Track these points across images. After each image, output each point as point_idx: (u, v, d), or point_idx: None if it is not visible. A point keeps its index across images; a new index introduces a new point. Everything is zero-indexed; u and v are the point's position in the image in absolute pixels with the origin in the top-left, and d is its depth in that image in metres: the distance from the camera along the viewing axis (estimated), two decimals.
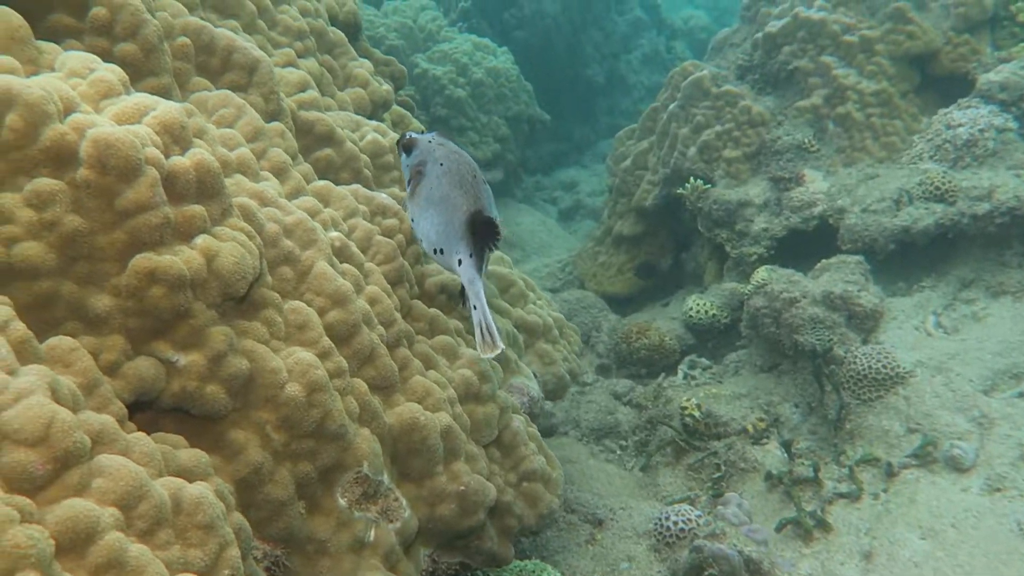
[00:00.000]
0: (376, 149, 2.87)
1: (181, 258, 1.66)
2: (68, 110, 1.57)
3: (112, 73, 1.72)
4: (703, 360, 5.01)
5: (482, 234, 1.98)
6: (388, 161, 2.91)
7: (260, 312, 1.87)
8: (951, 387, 3.32)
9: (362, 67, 3.09)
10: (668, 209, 6.01)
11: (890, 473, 3.19)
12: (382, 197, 2.51)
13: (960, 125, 4.29)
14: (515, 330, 3.30)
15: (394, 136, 2.94)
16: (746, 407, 4.16)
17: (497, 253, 3.56)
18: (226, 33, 2.21)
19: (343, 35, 3.06)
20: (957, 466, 3.05)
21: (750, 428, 3.99)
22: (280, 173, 2.17)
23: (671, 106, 5.61)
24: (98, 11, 1.88)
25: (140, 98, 1.70)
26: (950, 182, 4.15)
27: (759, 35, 5.29)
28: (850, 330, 3.90)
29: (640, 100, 12.41)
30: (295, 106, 2.63)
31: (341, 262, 2.15)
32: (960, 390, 3.28)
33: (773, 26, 5.15)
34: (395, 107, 3.66)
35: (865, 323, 3.89)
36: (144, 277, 1.60)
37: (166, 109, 1.71)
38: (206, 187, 1.74)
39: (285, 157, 2.17)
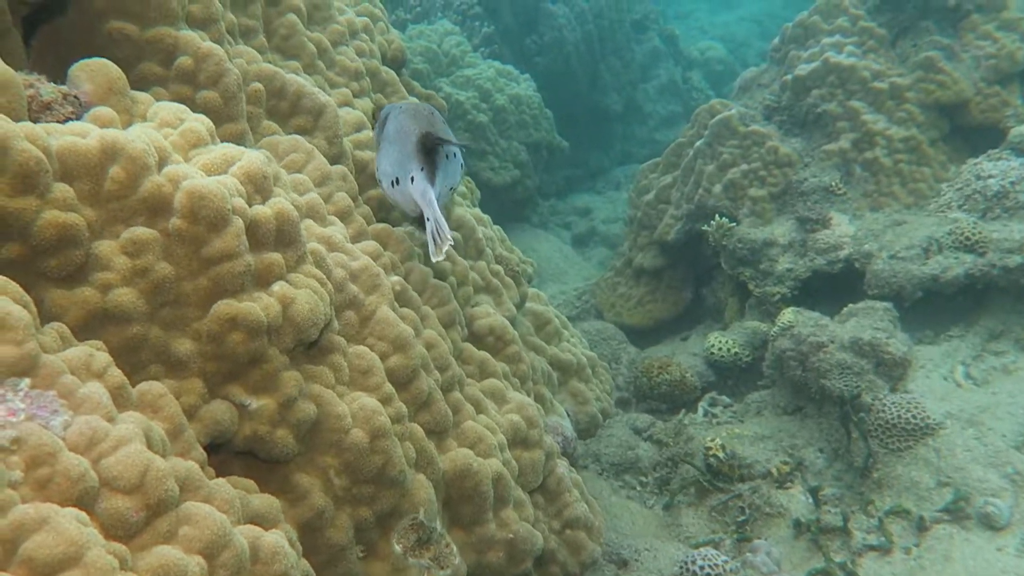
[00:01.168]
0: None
1: (260, 305, 1.69)
2: (162, 160, 1.62)
3: (200, 123, 1.77)
4: (724, 398, 5.03)
5: (433, 148, 2.07)
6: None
7: (327, 357, 1.91)
8: (983, 441, 3.34)
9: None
10: (690, 244, 6.06)
11: (921, 527, 3.20)
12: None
13: (991, 176, 4.34)
14: (550, 368, 3.33)
15: None
16: (770, 449, 4.18)
17: (533, 290, 3.60)
18: (296, 79, 2.27)
19: (394, 74, 3.12)
20: (991, 524, 3.06)
21: (774, 471, 4.00)
22: (344, 216, 2.22)
23: (697, 143, 5.68)
24: (184, 60, 1.93)
25: (226, 149, 1.75)
26: (980, 233, 4.19)
27: (788, 77, 5.36)
28: (878, 377, 3.92)
29: (655, 129, 12.51)
30: (352, 146, 2.68)
31: (400, 306, 2.19)
32: (992, 445, 3.30)
33: (802, 69, 5.22)
34: None
35: (893, 371, 3.92)
36: (225, 323, 1.64)
37: (250, 159, 1.75)
38: (284, 235, 1.79)
39: (348, 201, 2.22)
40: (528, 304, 3.45)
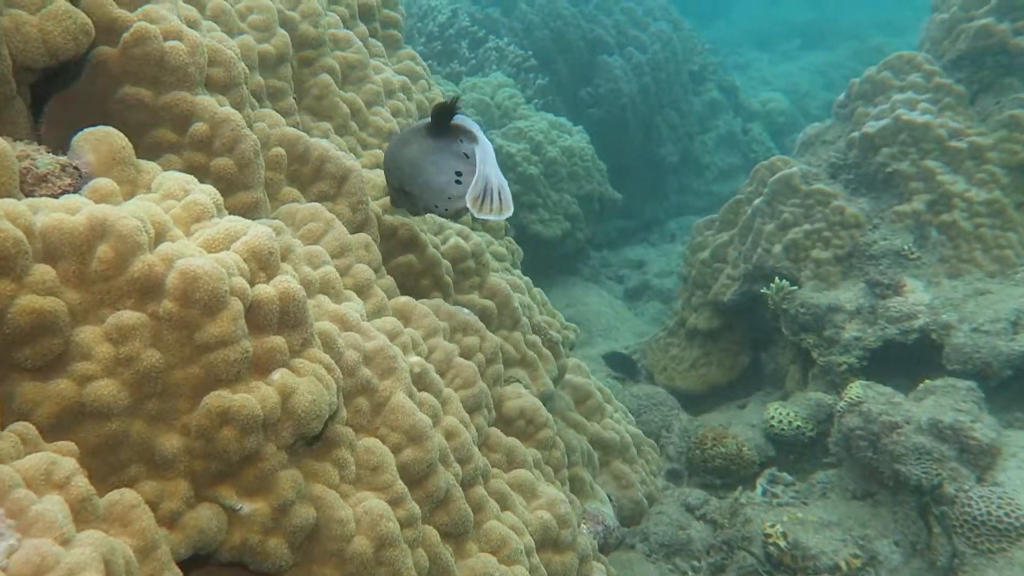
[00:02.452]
0: (458, 254, 2.75)
1: (256, 396, 1.52)
2: (160, 236, 1.49)
3: (206, 195, 1.63)
4: (785, 475, 4.64)
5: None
6: (469, 267, 2.78)
7: (332, 452, 1.72)
8: None
9: None
10: (748, 306, 5.74)
11: None
12: (464, 314, 2.37)
13: None
14: (590, 447, 3.08)
15: (478, 240, 2.82)
16: (837, 539, 3.78)
17: (574, 360, 3.38)
18: (320, 143, 2.14)
19: None
20: None
21: (843, 565, 3.60)
22: (363, 291, 2.05)
23: (756, 201, 5.40)
24: (199, 127, 1.82)
25: (230, 223, 1.61)
26: None
27: (855, 134, 5.07)
28: (962, 465, 3.52)
29: (713, 181, 12.24)
30: (380, 210, 2.54)
31: (419, 390, 1.99)
32: None
33: (871, 127, 4.92)
34: None
35: (980, 459, 3.51)
36: (216, 417, 1.47)
37: (255, 235, 1.60)
38: (289, 317, 1.62)
39: (369, 273, 2.06)
40: (568, 376, 3.23)
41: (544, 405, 2.95)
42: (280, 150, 2.06)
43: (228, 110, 1.82)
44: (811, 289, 5.02)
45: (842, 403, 4.21)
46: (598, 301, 8.51)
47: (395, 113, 2.85)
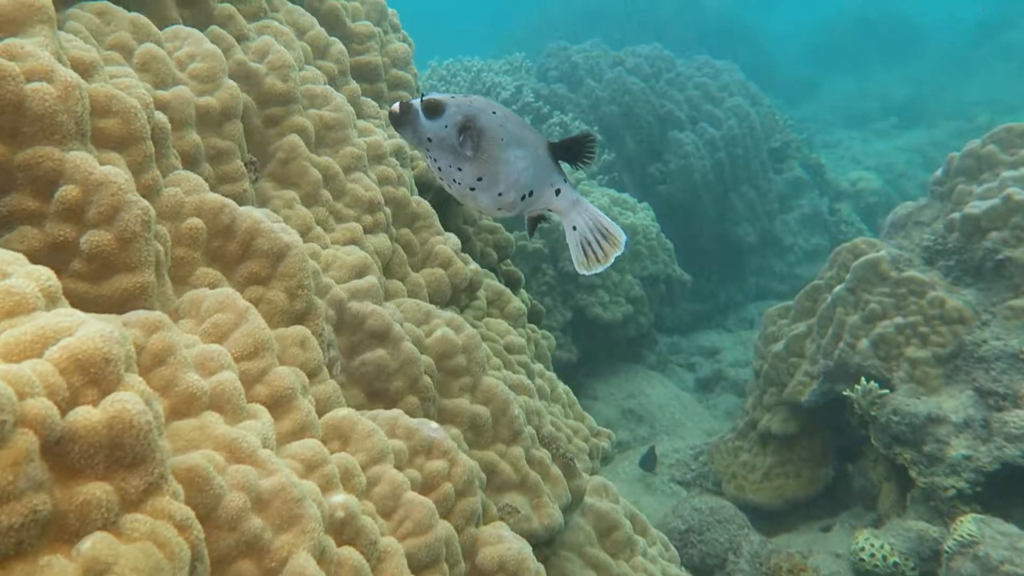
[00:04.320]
0: (445, 349, 2.25)
1: None
2: None
3: (29, 281, 1.20)
4: None
5: (572, 156, 1.94)
6: (459, 365, 2.27)
7: None
8: None
9: (446, 243, 2.55)
10: (829, 409, 4.95)
11: None
12: (429, 430, 1.85)
13: None
14: None
15: (472, 331, 2.32)
16: None
17: (598, 480, 2.77)
18: (252, 214, 1.72)
19: (427, 206, 2.56)
20: None
21: None
22: (279, 405, 1.57)
23: (837, 288, 4.70)
24: (69, 191, 1.42)
25: (50, 320, 1.16)
26: None
27: (956, 215, 4.35)
28: None
29: (796, 263, 11.42)
30: (346, 295, 2.08)
31: (341, 543, 1.46)
32: None
33: (976, 207, 4.21)
34: (491, 282, 3.09)
35: None
36: None
37: (85, 336, 1.15)
38: (124, 453, 1.14)
39: (292, 380, 1.57)
40: (590, 500, 2.62)
41: (551, 540, 2.35)
42: (197, 222, 1.65)
43: (108, 170, 1.42)
44: (906, 394, 4.23)
45: (951, 540, 3.39)
46: (663, 392, 7.78)
47: (383, 181, 2.44)
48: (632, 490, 6.19)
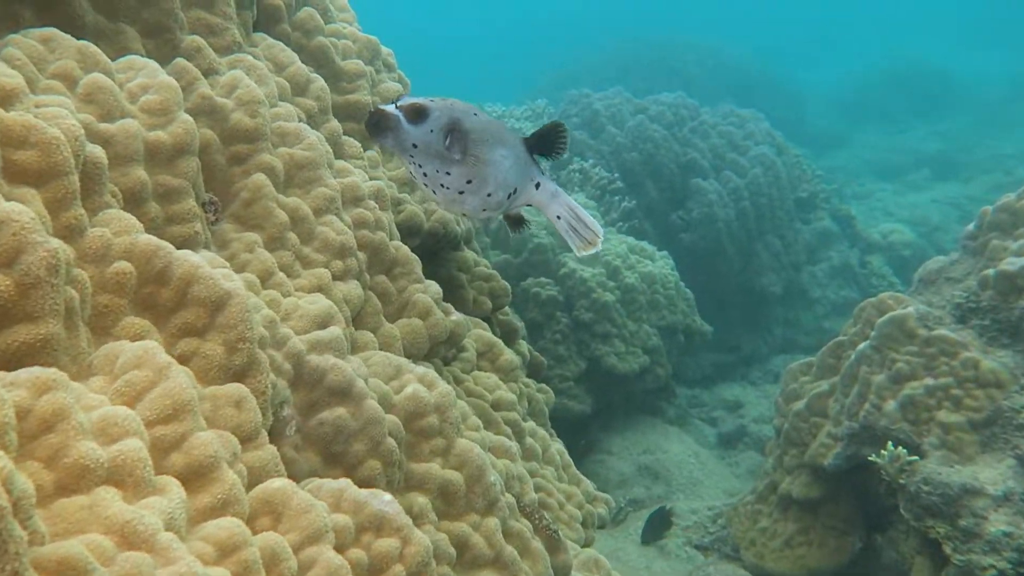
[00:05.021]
0: (415, 407, 2.05)
1: None
2: None
3: None
4: None
5: (545, 148, 1.97)
6: (430, 425, 2.07)
7: None
8: None
9: (426, 291, 2.37)
10: (855, 474, 4.63)
11: None
12: (380, 503, 1.64)
13: None
14: None
15: (445, 388, 2.12)
16: None
17: (589, 554, 2.52)
18: (189, 259, 1.56)
19: (408, 252, 2.39)
20: None
21: None
22: (198, 476, 1.38)
23: (862, 345, 4.43)
24: None
25: None
26: None
27: (990, 272, 4.07)
28: None
29: (824, 316, 11.06)
30: (305, 347, 1.91)
31: None
32: None
33: (1012, 264, 3.93)
34: (482, 333, 2.90)
35: None
36: None
37: None
38: None
39: (214, 450, 1.39)
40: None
41: None
42: (125, 266, 1.50)
43: (10, 207, 1.28)
44: (938, 462, 3.91)
45: None
46: (679, 449, 7.43)
47: (360, 224, 2.28)
48: (644, 554, 5.85)
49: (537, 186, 2.00)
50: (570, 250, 2.02)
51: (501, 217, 2.08)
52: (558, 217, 2.01)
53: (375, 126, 1.77)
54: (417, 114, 1.80)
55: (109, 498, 1.22)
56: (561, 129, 1.93)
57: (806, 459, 4.84)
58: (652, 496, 6.75)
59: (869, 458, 4.21)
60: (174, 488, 1.32)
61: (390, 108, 1.80)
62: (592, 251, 1.98)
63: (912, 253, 12.94)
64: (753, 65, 21.82)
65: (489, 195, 1.93)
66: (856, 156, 19.88)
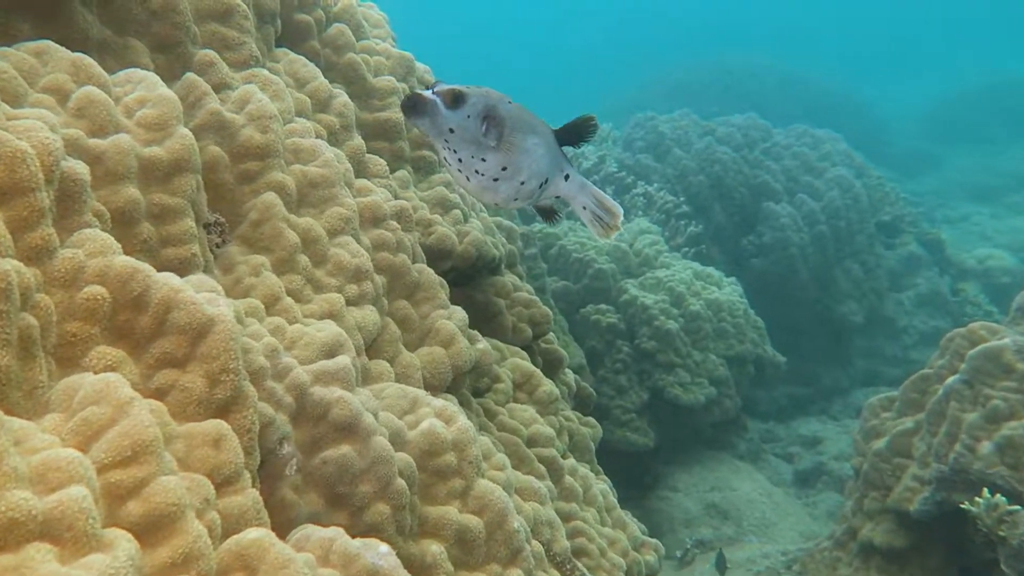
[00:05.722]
0: (430, 445, 1.87)
1: None
2: None
3: None
4: None
5: (574, 139, 1.98)
6: (447, 464, 1.89)
7: None
8: None
9: (450, 318, 2.19)
10: (946, 521, 4.16)
11: None
12: (375, 556, 1.45)
13: None
14: None
15: (465, 424, 1.92)
16: None
17: None
18: (169, 282, 1.43)
19: (432, 276, 2.23)
20: None
21: None
22: (157, 527, 1.23)
23: (950, 379, 4.00)
24: None
25: None
26: None
27: None
28: None
29: (912, 347, 10.35)
30: (310, 379, 1.76)
31: None
32: None
33: None
34: (520, 362, 2.70)
35: None
36: None
37: None
38: None
39: (177, 497, 1.23)
40: None
41: None
42: (98, 290, 1.38)
43: None
44: None
45: None
46: (752, 486, 6.97)
47: (379, 246, 2.14)
48: None
49: (567, 178, 2.02)
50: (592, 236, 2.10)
51: (533, 207, 2.09)
52: (583, 208, 2.05)
53: (412, 108, 1.78)
54: (455, 99, 1.81)
55: (40, 557, 1.07)
56: (592, 121, 1.94)
57: (889, 503, 4.40)
58: (721, 536, 6.33)
59: (961, 505, 3.76)
60: (123, 543, 1.16)
61: (428, 93, 1.81)
62: (614, 235, 2.04)
63: (1012, 280, 12.02)
64: (832, 87, 21.07)
65: (522, 183, 1.93)
66: (948, 178, 18.79)
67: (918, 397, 4.44)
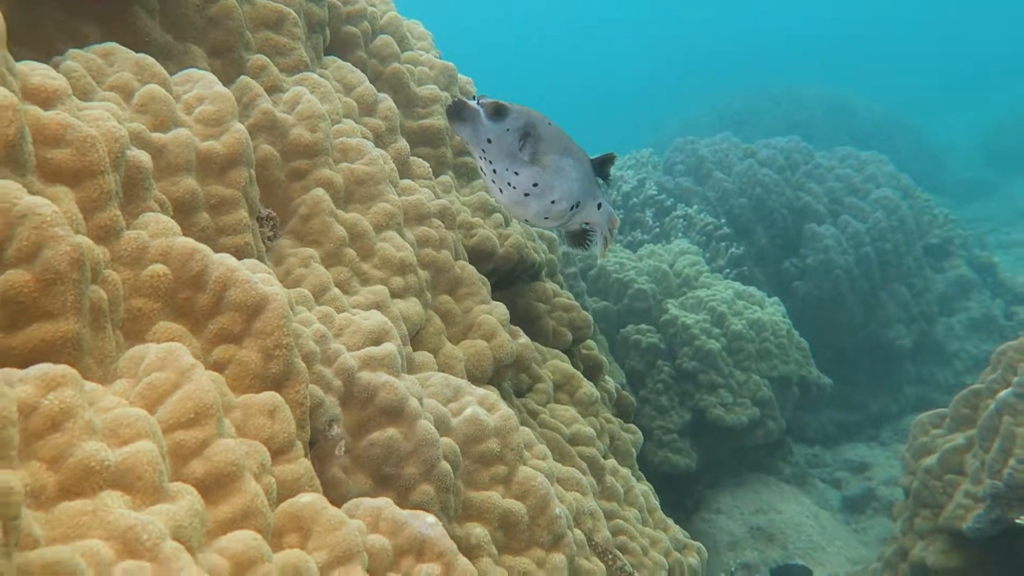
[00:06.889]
0: (473, 431, 1.91)
1: None
2: None
3: None
4: None
5: (601, 173, 2.05)
6: (490, 451, 1.92)
7: None
8: None
9: (492, 312, 2.24)
10: (1002, 540, 4.01)
11: None
12: (422, 525, 1.49)
13: None
14: None
15: (507, 412, 1.95)
16: None
17: None
18: (226, 262, 1.51)
19: (474, 272, 2.28)
20: None
21: None
22: (219, 485, 1.29)
23: (1003, 393, 3.88)
24: None
25: None
26: None
27: None
28: None
29: (965, 372, 10.03)
30: (357, 364, 1.82)
31: None
32: None
33: None
34: (560, 364, 2.72)
35: None
36: None
37: None
38: None
39: (236, 458, 1.29)
40: None
41: None
42: (161, 268, 1.47)
43: (33, 201, 1.27)
44: None
45: None
46: (799, 509, 6.80)
47: (423, 242, 2.20)
48: None
49: (599, 206, 2.06)
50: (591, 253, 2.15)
51: (563, 232, 2.13)
52: (599, 231, 2.11)
53: (456, 114, 1.85)
54: (497, 111, 1.87)
55: (112, 503, 1.14)
56: (612, 158, 2.05)
57: (941, 522, 4.25)
58: (766, 560, 6.17)
59: (1016, 521, 3.63)
60: (188, 496, 1.23)
61: (473, 102, 1.87)
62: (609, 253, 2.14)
63: None
64: (884, 115, 20.77)
65: (553, 203, 1.96)
66: (1006, 205, 18.31)
67: (969, 412, 4.32)
